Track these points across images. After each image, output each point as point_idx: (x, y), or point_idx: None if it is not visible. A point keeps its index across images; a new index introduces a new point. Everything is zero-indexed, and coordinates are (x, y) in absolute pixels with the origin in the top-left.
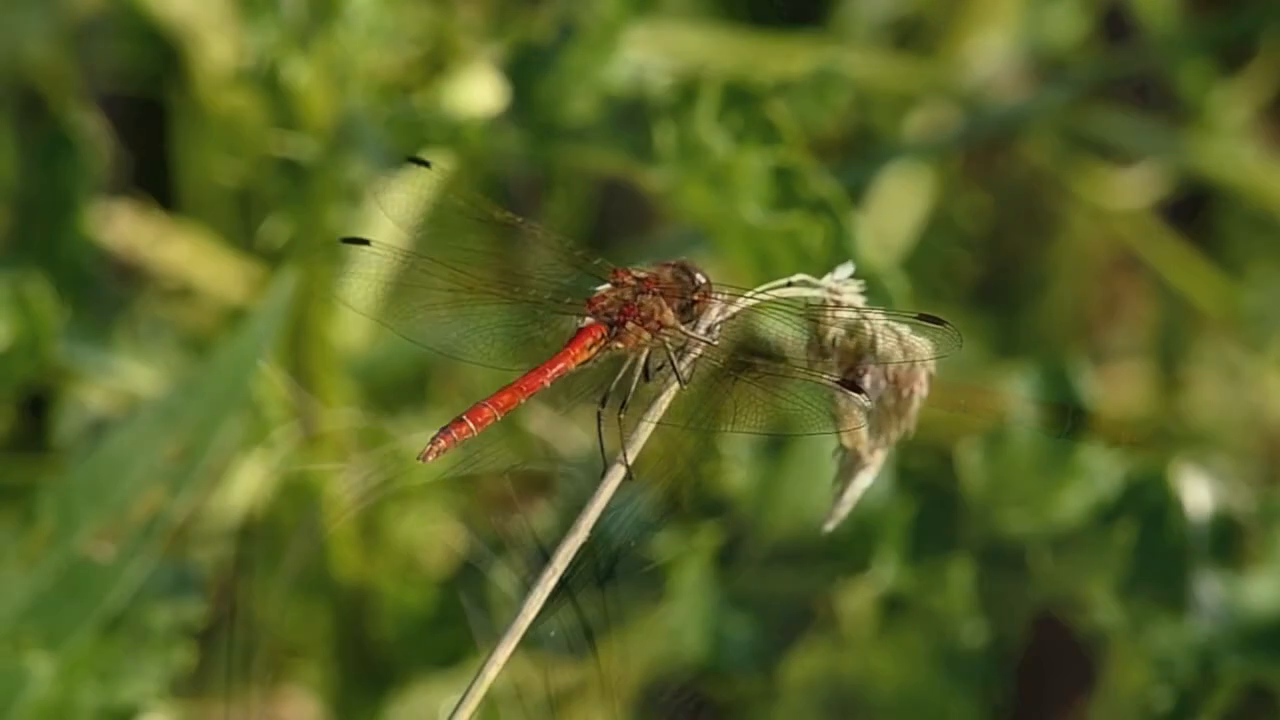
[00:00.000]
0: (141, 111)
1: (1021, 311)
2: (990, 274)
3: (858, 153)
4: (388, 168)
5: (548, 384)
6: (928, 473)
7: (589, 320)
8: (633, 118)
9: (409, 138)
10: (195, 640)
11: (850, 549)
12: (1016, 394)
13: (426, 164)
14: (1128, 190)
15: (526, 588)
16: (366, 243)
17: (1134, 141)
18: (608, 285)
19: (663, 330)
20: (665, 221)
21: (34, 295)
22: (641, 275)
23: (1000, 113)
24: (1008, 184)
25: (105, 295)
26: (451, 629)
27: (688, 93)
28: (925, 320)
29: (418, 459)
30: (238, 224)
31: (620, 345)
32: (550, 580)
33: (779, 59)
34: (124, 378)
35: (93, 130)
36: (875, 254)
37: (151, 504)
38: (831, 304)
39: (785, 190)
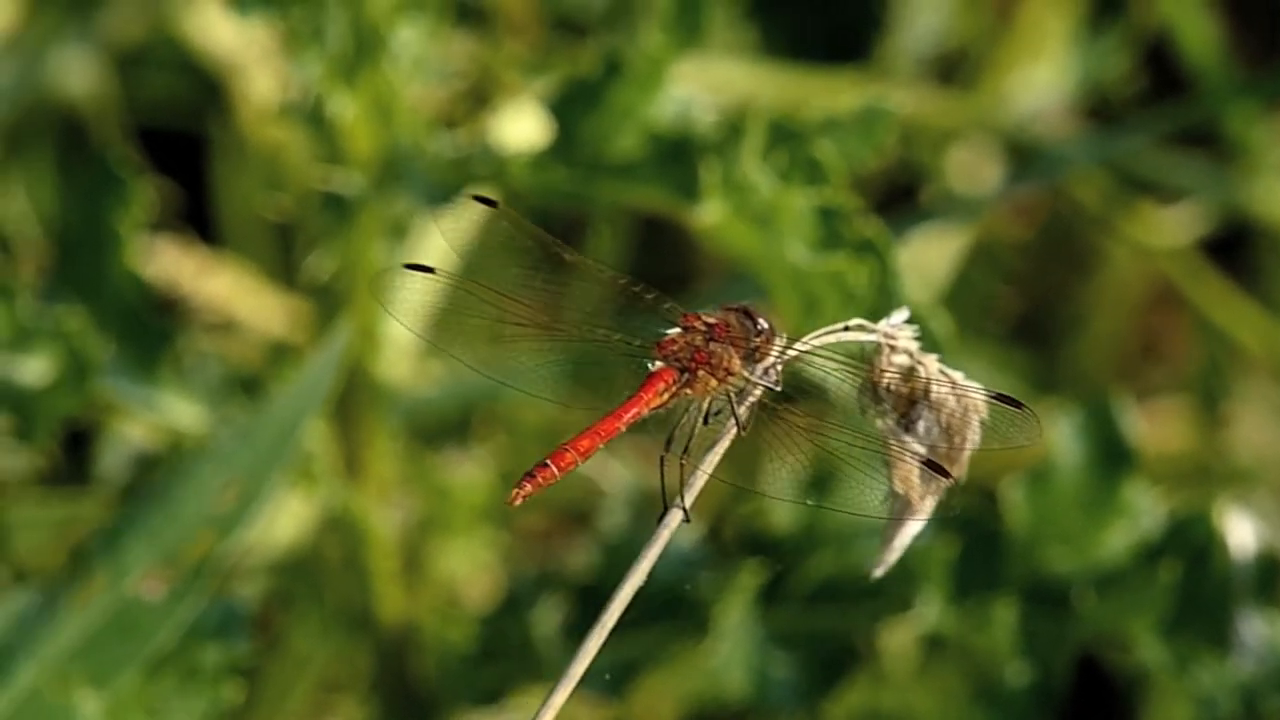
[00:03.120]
0: (184, 145)
1: (1062, 348)
2: (1030, 309)
3: (904, 192)
4: (433, 203)
5: (623, 429)
6: (971, 511)
7: (659, 365)
8: (677, 155)
9: (453, 173)
10: (243, 678)
11: (893, 587)
12: (1060, 432)
13: (494, 203)
14: (1171, 227)
15: (579, 631)
16: (430, 270)
17: (1177, 179)
18: (677, 330)
19: (730, 377)
20: (706, 265)
21: (77, 330)
22: (711, 321)
23: (1052, 160)
24: (1049, 219)
25: (148, 329)
26: (493, 666)
27: (733, 130)
28: (1003, 401)
29: (506, 503)
30: (279, 257)
31: (689, 392)
32: (609, 623)
33: (824, 94)
34: (167, 412)
35: (136, 164)
36: (919, 294)
37: (203, 547)
38: (887, 349)
39: (830, 230)
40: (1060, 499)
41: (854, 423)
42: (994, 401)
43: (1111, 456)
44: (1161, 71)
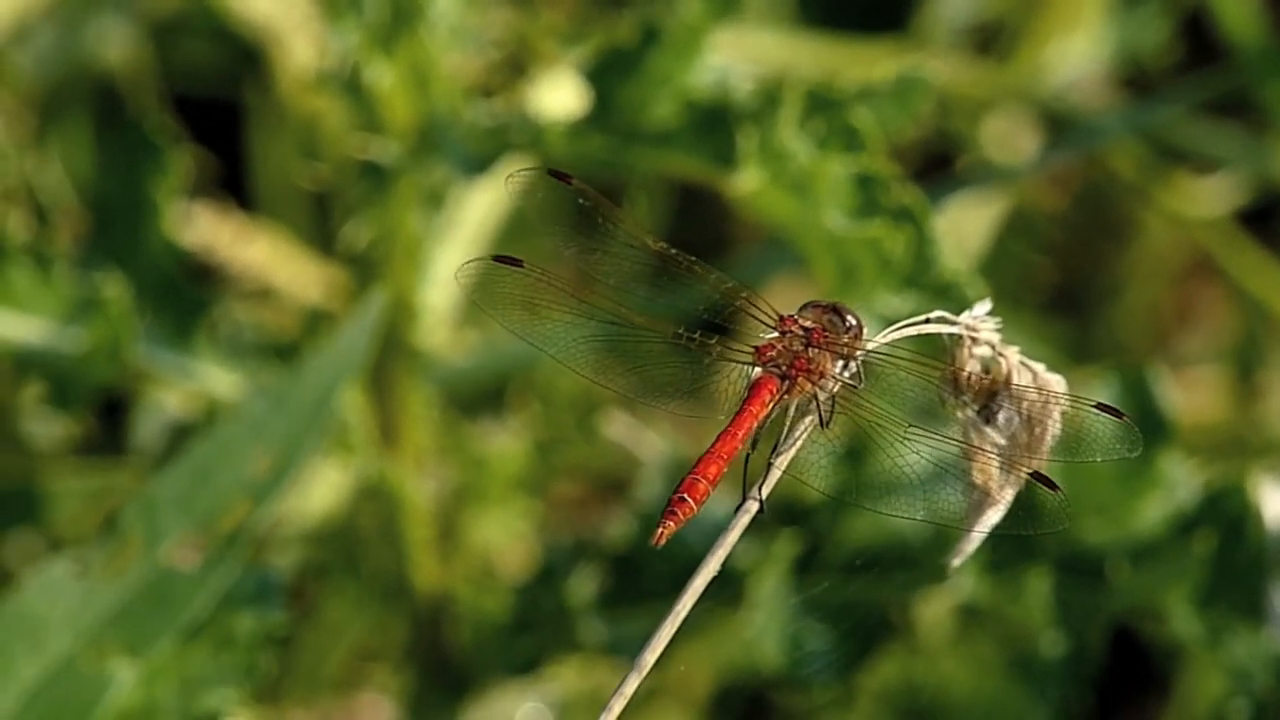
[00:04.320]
0: (221, 112)
1: (1097, 318)
2: (1066, 279)
3: (940, 162)
4: (470, 172)
5: (740, 447)
6: None
7: (759, 372)
8: (714, 123)
9: (490, 142)
10: (277, 646)
11: (928, 558)
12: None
13: (569, 179)
14: (1206, 197)
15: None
16: (519, 264)
17: (1213, 148)
18: (775, 334)
19: (822, 380)
20: (742, 234)
21: (114, 298)
22: (808, 325)
23: (1088, 130)
24: (1084, 189)
25: (184, 297)
26: (528, 635)
27: (770, 98)
28: (1104, 411)
29: (651, 544)
30: (316, 225)
31: (788, 397)
32: (682, 614)
33: (861, 64)
34: (202, 381)
35: (172, 132)
36: (956, 262)
37: (237, 515)
38: (968, 340)
39: (868, 197)
40: (1096, 470)
41: (933, 414)
42: (1094, 412)
43: (1147, 428)
44: (1199, 42)
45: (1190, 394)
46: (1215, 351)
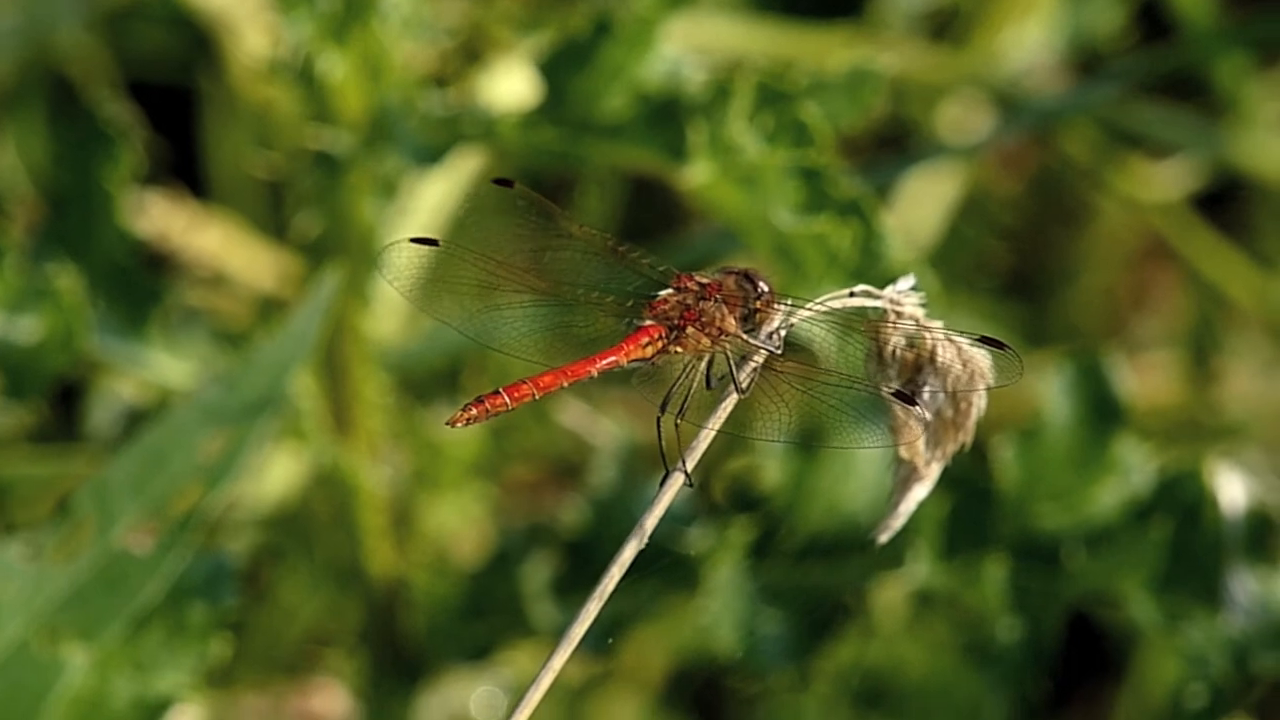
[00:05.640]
0: (175, 99)
1: (1052, 301)
2: (1021, 263)
3: (894, 147)
4: (422, 162)
5: (595, 374)
6: (962, 468)
7: (649, 321)
8: (666, 115)
9: (443, 132)
10: (231, 631)
11: (884, 544)
12: (1050, 388)
13: (510, 184)
14: (1161, 181)
15: (568, 587)
16: (435, 243)
17: (1168, 133)
18: (670, 290)
19: (723, 337)
20: (695, 221)
21: (66, 289)
22: (705, 281)
23: (1038, 110)
24: (1039, 173)
25: (137, 286)
26: (482, 621)
27: (721, 91)
28: (987, 343)
29: (446, 423)
30: (270, 212)
31: (679, 349)
32: (609, 587)
33: (816, 52)
34: (156, 370)
35: (126, 120)
36: (905, 253)
37: (190, 500)
38: (893, 315)
39: (815, 192)
40: (1051, 456)
41: (850, 376)
42: (980, 345)
43: (1102, 413)
44: (1153, 28)
45: (1145, 378)
46: (1170, 335)
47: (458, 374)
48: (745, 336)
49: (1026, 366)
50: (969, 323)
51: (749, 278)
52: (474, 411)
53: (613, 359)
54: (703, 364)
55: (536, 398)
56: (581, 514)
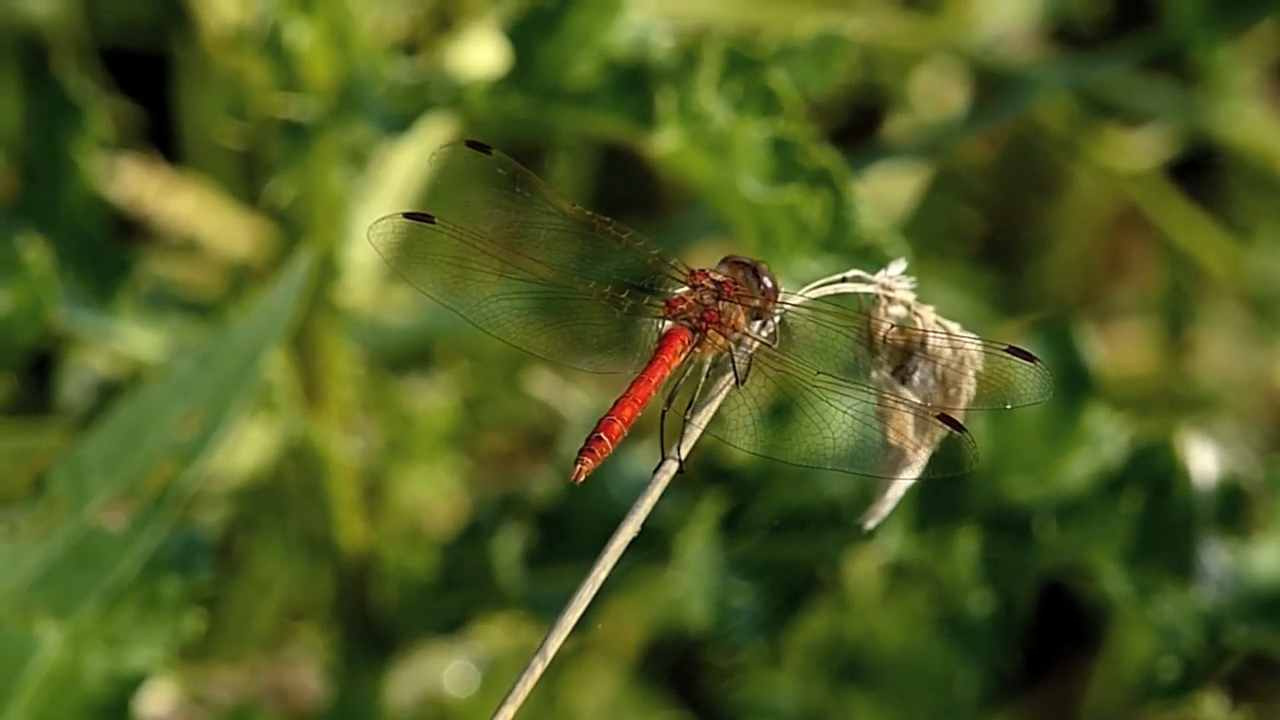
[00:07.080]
0: (148, 65)
1: (1026, 269)
2: (995, 231)
3: (868, 115)
4: (390, 130)
5: (654, 394)
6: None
7: (669, 325)
8: (634, 82)
9: (411, 100)
10: (204, 607)
11: (855, 517)
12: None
13: (487, 149)
14: (1135, 150)
15: (540, 559)
16: (430, 220)
17: (1142, 102)
18: (686, 288)
19: (734, 334)
20: (667, 189)
21: (34, 261)
22: (719, 279)
23: (1010, 82)
24: (1012, 141)
25: (107, 257)
26: (454, 594)
27: (689, 58)
28: (1016, 354)
29: (570, 480)
30: (243, 177)
31: (699, 350)
32: (602, 573)
33: (786, 18)
34: (126, 341)
35: (96, 89)
36: (876, 222)
37: (164, 475)
38: (884, 300)
39: (784, 161)
40: (1021, 427)
41: (850, 375)
42: (1008, 356)
43: (1073, 384)
44: None
45: (1119, 347)
46: (1144, 304)
47: (431, 346)
48: (754, 335)
49: (1000, 336)
50: (942, 292)
51: (755, 272)
52: (589, 462)
53: (661, 373)
54: (709, 358)
55: (627, 430)
56: (553, 485)
